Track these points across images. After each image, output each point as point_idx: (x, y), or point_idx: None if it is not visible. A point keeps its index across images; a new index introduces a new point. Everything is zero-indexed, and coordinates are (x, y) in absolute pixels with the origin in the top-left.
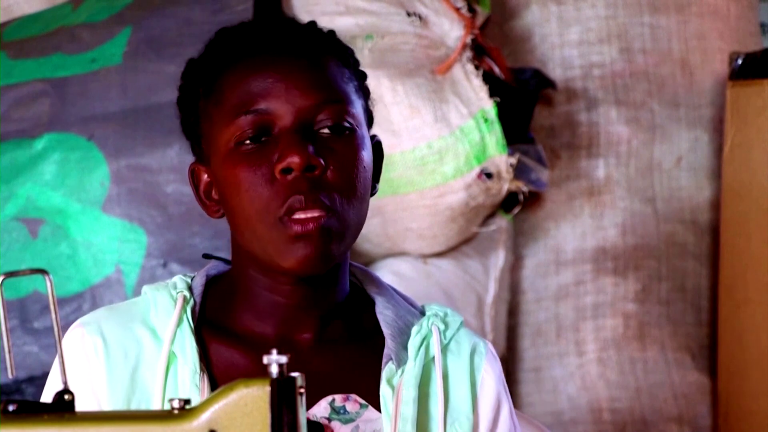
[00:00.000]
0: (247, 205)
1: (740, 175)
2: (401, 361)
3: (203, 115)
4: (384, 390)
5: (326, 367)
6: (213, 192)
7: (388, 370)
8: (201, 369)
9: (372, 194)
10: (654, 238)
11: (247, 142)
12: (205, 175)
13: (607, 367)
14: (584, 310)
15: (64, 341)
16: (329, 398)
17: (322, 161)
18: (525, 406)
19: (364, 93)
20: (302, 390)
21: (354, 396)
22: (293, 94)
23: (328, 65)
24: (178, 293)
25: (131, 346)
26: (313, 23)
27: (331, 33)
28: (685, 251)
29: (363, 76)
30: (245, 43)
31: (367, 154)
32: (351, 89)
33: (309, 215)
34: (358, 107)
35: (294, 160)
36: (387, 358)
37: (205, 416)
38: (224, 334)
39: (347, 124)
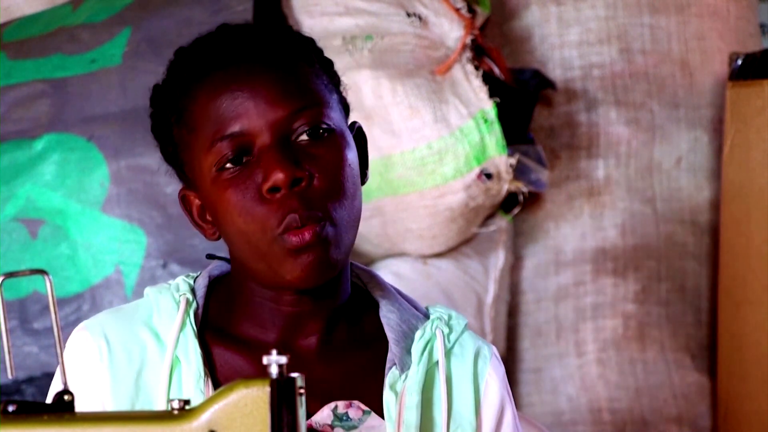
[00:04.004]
0: (244, 227)
1: (740, 176)
2: (405, 366)
3: (180, 143)
4: (387, 396)
5: (329, 373)
6: (207, 214)
7: (391, 375)
8: (205, 373)
9: (363, 183)
10: (654, 239)
11: (229, 165)
12: (196, 200)
13: (607, 367)
14: (584, 311)
15: (68, 344)
16: (332, 405)
17: (306, 172)
18: (525, 406)
19: (335, 84)
20: (302, 390)
21: (357, 402)
22: (264, 108)
23: (294, 69)
24: (180, 296)
25: (135, 350)
26: (266, 25)
27: (287, 30)
28: (685, 252)
29: (330, 65)
30: (204, 61)
31: (350, 152)
32: (322, 88)
33: (304, 230)
34: (332, 104)
35: (279, 177)
36: (390, 363)
37: (205, 416)
38: (227, 339)
39: (324, 126)
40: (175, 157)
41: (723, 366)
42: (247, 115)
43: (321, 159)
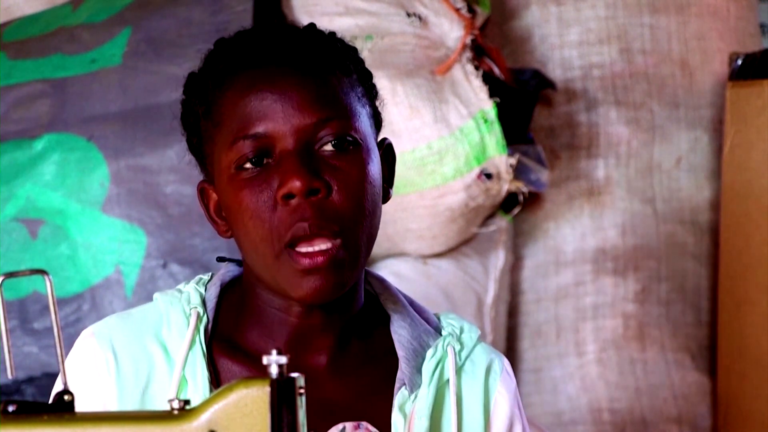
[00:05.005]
0: (252, 232)
1: (740, 176)
2: (414, 386)
3: (205, 136)
4: (396, 417)
5: (338, 391)
6: (223, 211)
7: (400, 396)
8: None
9: (385, 201)
10: (654, 239)
11: (248, 166)
12: (214, 195)
13: (607, 367)
14: (584, 311)
15: (74, 350)
16: (340, 426)
17: (324, 183)
18: (525, 406)
19: (370, 97)
20: (302, 390)
21: (365, 424)
22: (291, 113)
23: (329, 77)
24: (191, 309)
25: (142, 363)
26: (311, 29)
27: (331, 37)
28: (685, 252)
29: (368, 77)
30: (240, 58)
31: (374, 168)
32: (354, 99)
33: (316, 248)
34: (362, 117)
35: (295, 184)
36: (400, 382)
37: (205, 416)
38: (235, 351)
39: (350, 139)
40: (199, 148)
41: (723, 366)
42: (273, 117)
43: (343, 172)
